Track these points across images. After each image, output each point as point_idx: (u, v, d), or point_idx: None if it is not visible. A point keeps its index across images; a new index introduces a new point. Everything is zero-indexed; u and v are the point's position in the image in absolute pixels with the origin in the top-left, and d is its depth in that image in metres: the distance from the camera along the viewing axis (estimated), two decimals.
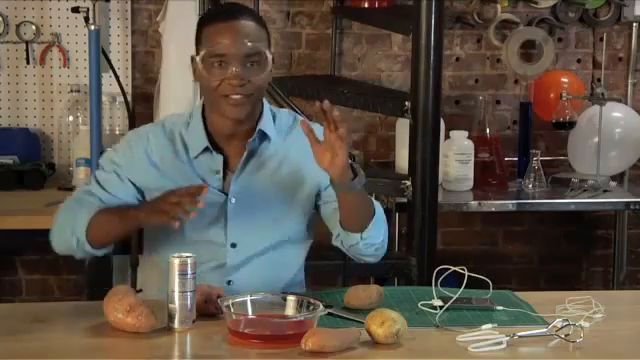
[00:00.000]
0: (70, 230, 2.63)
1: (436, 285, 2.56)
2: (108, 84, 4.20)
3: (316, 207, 2.77)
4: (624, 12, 4.59)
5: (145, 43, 4.43)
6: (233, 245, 2.68)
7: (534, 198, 4.15)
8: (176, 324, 2.36)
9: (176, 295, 2.35)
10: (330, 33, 4.54)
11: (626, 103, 4.57)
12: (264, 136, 2.69)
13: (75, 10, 4.05)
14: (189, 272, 2.35)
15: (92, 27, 4.01)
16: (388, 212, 4.38)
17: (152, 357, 2.25)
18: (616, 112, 4.35)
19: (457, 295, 2.52)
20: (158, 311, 2.36)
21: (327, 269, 3.68)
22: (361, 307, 2.50)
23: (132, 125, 4.21)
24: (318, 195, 2.74)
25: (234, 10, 2.68)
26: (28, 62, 4.32)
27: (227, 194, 2.67)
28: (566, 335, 2.33)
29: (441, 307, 2.49)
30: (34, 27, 4.32)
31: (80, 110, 4.28)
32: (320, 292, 2.67)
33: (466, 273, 2.46)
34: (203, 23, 2.67)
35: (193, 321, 2.37)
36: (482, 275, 2.52)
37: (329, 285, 3.59)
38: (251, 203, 2.67)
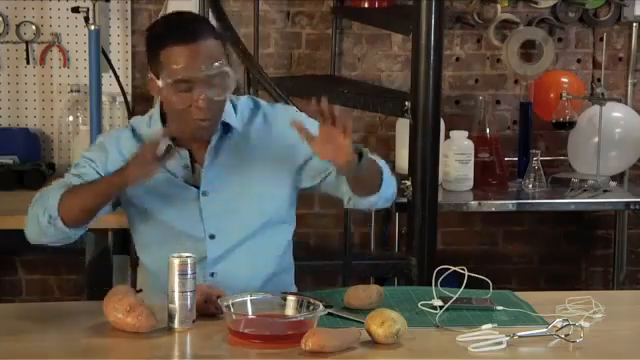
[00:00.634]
0: (42, 209, 2.60)
1: (436, 285, 2.56)
2: (108, 84, 4.21)
3: (312, 185, 2.75)
4: (624, 12, 4.59)
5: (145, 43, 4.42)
6: (212, 237, 2.69)
7: (534, 198, 4.15)
8: (176, 324, 2.36)
9: (176, 295, 2.35)
10: (330, 33, 4.54)
11: (626, 103, 4.57)
12: (227, 127, 2.70)
13: (75, 10, 4.05)
14: (189, 272, 2.35)
15: (92, 27, 4.01)
16: (388, 212, 4.41)
17: (152, 357, 2.25)
18: (616, 112, 4.35)
19: (457, 295, 2.52)
20: (158, 311, 2.36)
21: (327, 269, 3.70)
22: (361, 307, 2.50)
23: None
24: (298, 173, 2.73)
25: (194, 28, 2.60)
26: (28, 62, 4.32)
27: (198, 187, 2.68)
28: (566, 335, 2.33)
29: (441, 307, 2.49)
30: (34, 27, 4.32)
31: (80, 110, 4.28)
32: (320, 292, 2.67)
33: (466, 273, 2.46)
34: (159, 43, 2.60)
35: (193, 321, 2.37)
36: (482, 275, 2.52)
37: (329, 285, 3.60)
38: (224, 193, 2.68)
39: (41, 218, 2.59)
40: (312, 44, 4.55)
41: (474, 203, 4.07)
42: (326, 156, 2.48)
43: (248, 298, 2.41)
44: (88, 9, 4.01)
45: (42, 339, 2.33)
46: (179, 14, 2.77)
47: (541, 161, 4.23)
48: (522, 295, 2.68)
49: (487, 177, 4.27)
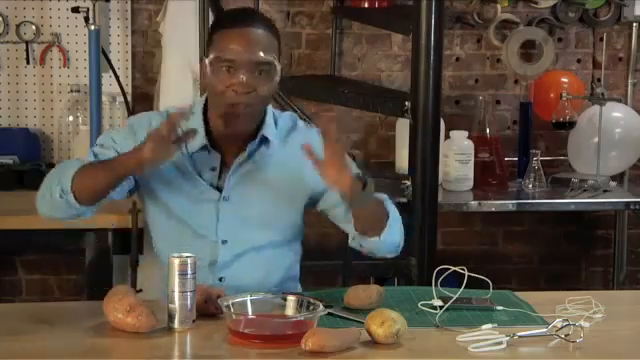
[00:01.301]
0: (57, 180, 2.58)
1: (436, 285, 2.56)
2: (108, 84, 4.21)
3: (322, 211, 2.76)
4: (624, 12, 4.59)
5: (145, 43, 4.43)
6: (224, 242, 2.69)
7: (534, 198, 4.15)
8: (176, 324, 2.36)
9: (176, 295, 2.35)
10: (330, 33, 4.54)
11: (626, 103, 4.57)
12: (265, 140, 2.69)
13: (75, 10, 4.05)
14: (189, 272, 2.35)
15: (92, 27, 4.02)
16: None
17: (152, 357, 2.25)
18: (616, 112, 4.36)
19: (457, 295, 2.52)
20: (158, 311, 2.36)
21: (327, 269, 3.69)
22: (361, 307, 2.50)
23: None
24: (315, 199, 2.74)
25: (248, 17, 2.65)
26: (28, 62, 4.32)
27: (221, 191, 2.68)
28: (566, 335, 2.33)
29: (441, 307, 2.49)
30: (34, 27, 4.32)
31: (80, 110, 4.28)
32: (320, 292, 2.67)
33: (466, 273, 2.46)
34: (216, 27, 2.65)
35: (193, 321, 2.37)
36: (482, 275, 2.52)
37: (329, 285, 3.59)
38: (243, 202, 2.68)
39: (54, 191, 2.56)
40: (312, 44, 4.55)
41: (474, 203, 4.07)
42: (328, 179, 2.47)
43: (248, 298, 2.41)
44: (88, 9, 4.02)
45: (42, 339, 2.33)
46: (243, 8, 2.81)
47: (541, 161, 4.23)
48: (522, 295, 2.68)
49: (487, 177, 4.27)
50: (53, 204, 2.59)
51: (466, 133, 4.22)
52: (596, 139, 4.24)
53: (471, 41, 4.62)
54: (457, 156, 4.15)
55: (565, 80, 4.46)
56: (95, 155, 2.67)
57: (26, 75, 4.35)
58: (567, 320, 2.37)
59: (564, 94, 4.30)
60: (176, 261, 2.36)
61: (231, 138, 2.67)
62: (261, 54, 2.57)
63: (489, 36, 4.57)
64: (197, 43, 3.90)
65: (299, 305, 2.40)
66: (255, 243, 2.70)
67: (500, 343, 2.30)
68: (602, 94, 4.27)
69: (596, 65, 4.65)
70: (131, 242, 3.64)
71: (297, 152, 2.67)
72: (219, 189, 2.68)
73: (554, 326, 2.36)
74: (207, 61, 2.60)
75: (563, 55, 4.65)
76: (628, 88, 4.66)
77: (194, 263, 2.37)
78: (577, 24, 4.64)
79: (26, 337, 2.33)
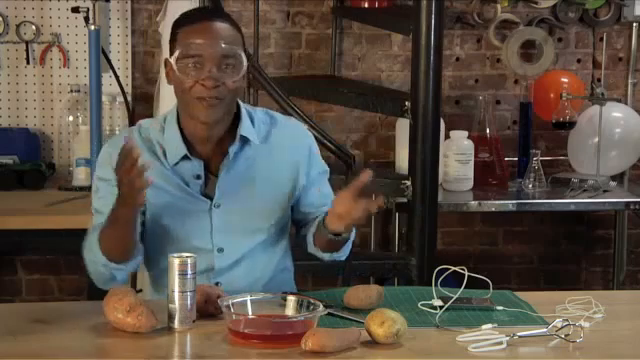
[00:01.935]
0: (94, 264, 2.59)
1: (436, 285, 2.56)
2: (108, 84, 4.21)
3: (294, 204, 2.78)
4: (624, 12, 4.59)
5: (145, 43, 4.43)
6: (220, 250, 2.68)
7: (534, 198, 4.16)
8: (176, 324, 2.36)
9: (176, 295, 2.35)
10: (330, 33, 4.54)
11: (626, 103, 4.57)
12: (245, 140, 2.68)
13: (75, 10, 4.05)
14: (189, 272, 2.35)
15: (92, 27, 4.01)
16: (388, 212, 4.41)
17: (152, 357, 2.25)
18: (616, 112, 4.36)
19: (457, 295, 2.52)
20: (158, 311, 2.36)
21: (327, 269, 3.68)
22: (361, 307, 2.50)
23: (132, 125, 4.21)
24: (300, 191, 2.75)
25: (209, 12, 2.70)
26: (28, 62, 4.32)
27: (211, 199, 2.66)
28: (566, 335, 2.33)
29: (441, 307, 2.49)
30: (34, 27, 4.32)
31: (80, 110, 4.28)
32: (320, 292, 2.67)
33: (466, 273, 2.46)
34: (178, 25, 2.64)
35: (193, 321, 2.37)
36: (482, 275, 2.52)
37: (329, 285, 3.60)
38: (236, 208, 2.66)
39: (101, 272, 2.58)
40: (312, 44, 4.55)
41: (474, 203, 4.08)
42: (337, 210, 2.53)
43: (248, 298, 2.41)
44: (88, 9, 4.01)
45: (42, 339, 2.33)
46: (203, 6, 2.79)
47: (541, 161, 4.23)
48: (522, 295, 2.68)
49: (487, 177, 4.27)
50: (109, 278, 2.60)
51: (466, 133, 4.22)
52: (596, 139, 4.24)
53: (471, 41, 4.62)
54: (457, 156, 4.15)
55: (565, 80, 4.46)
56: (99, 213, 2.65)
57: (26, 75, 4.35)
58: (567, 320, 2.37)
59: (564, 94, 4.30)
60: (176, 261, 2.35)
61: (209, 140, 2.65)
62: (226, 46, 2.57)
63: (489, 36, 4.57)
64: None
65: (299, 305, 2.40)
66: (250, 247, 2.69)
67: (500, 343, 2.30)
68: (602, 94, 4.28)
69: (596, 65, 4.65)
70: None
71: (281, 149, 2.69)
72: (208, 197, 2.66)
73: (554, 326, 2.36)
74: (172, 60, 2.58)
75: (563, 55, 4.65)
76: (628, 88, 4.66)
77: (194, 263, 2.37)
78: (577, 24, 4.64)
79: (26, 337, 2.33)
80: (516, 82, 4.63)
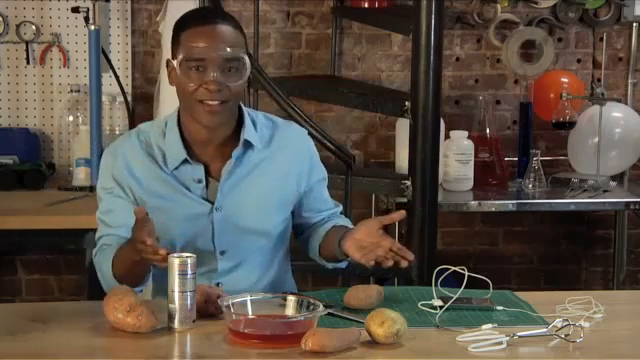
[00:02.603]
0: (107, 285, 2.58)
1: (436, 285, 2.56)
2: (108, 84, 4.21)
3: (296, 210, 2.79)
4: (624, 12, 4.59)
5: (145, 43, 4.43)
6: (222, 252, 2.67)
7: (534, 198, 4.16)
8: (176, 324, 2.36)
9: (176, 295, 2.35)
10: (330, 33, 4.54)
11: (626, 103, 4.57)
12: (248, 144, 2.67)
13: (75, 10, 4.05)
14: (189, 272, 2.35)
15: (92, 27, 4.02)
16: (388, 212, 4.41)
17: (152, 357, 2.24)
18: (616, 112, 4.36)
19: (457, 295, 2.52)
20: (158, 311, 2.36)
21: (327, 269, 3.68)
22: (361, 307, 2.50)
23: (132, 125, 4.22)
24: (294, 200, 2.75)
25: (213, 14, 2.65)
26: (28, 62, 4.32)
27: (212, 203, 2.66)
28: (566, 335, 2.33)
29: (441, 307, 2.49)
30: (34, 27, 4.32)
31: (80, 110, 4.28)
32: (320, 292, 2.67)
33: (466, 273, 2.46)
34: (181, 27, 2.61)
35: (193, 321, 2.37)
36: (482, 275, 2.52)
37: (329, 285, 3.60)
38: (237, 211, 2.66)
39: (110, 285, 2.56)
40: (312, 44, 4.55)
41: (474, 203, 4.08)
42: (360, 241, 2.53)
43: (248, 298, 2.41)
44: (88, 9, 4.02)
45: (42, 339, 2.33)
46: (205, 7, 2.76)
47: (541, 161, 4.23)
48: (522, 295, 2.68)
49: (487, 177, 4.27)
50: None
51: (466, 133, 4.22)
52: (596, 139, 4.24)
53: (471, 41, 4.62)
54: (457, 156, 4.15)
55: (565, 80, 4.46)
56: (105, 224, 2.66)
57: (26, 75, 4.35)
58: (567, 320, 2.37)
59: (564, 94, 4.30)
60: (176, 261, 2.35)
61: (210, 143, 2.65)
62: (230, 50, 2.55)
63: (489, 36, 4.57)
64: None
65: (299, 305, 2.40)
66: (252, 249, 2.69)
67: (500, 343, 2.30)
68: (602, 94, 4.28)
69: (596, 65, 4.65)
70: None
71: (283, 154, 2.68)
72: (208, 201, 2.66)
73: (554, 326, 2.36)
74: (175, 63, 2.57)
75: (563, 55, 4.65)
76: (628, 88, 4.66)
77: (194, 263, 2.37)
78: (577, 24, 4.64)
79: (26, 337, 2.33)
80: (516, 82, 4.63)
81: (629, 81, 4.66)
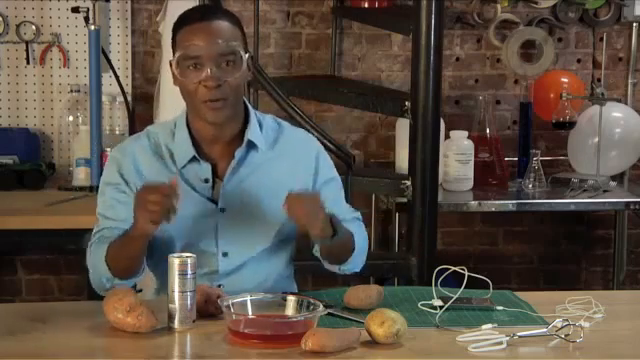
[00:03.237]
0: (98, 275, 2.58)
1: (436, 285, 2.56)
2: (108, 84, 4.21)
3: None
4: (624, 12, 4.59)
5: (145, 43, 4.43)
6: (225, 254, 2.67)
7: (534, 198, 4.16)
8: (176, 324, 2.36)
9: (176, 295, 2.35)
10: (330, 33, 4.54)
11: (626, 103, 4.57)
12: (252, 145, 2.68)
13: (75, 10, 4.05)
14: (189, 272, 2.35)
15: (92, 27, 4.01)
16: (388, 212, 4.41)
17: (152, 357, 2.25)
18: (616, 112, 4.36)
19: (457, 295, 2.52)
20: (158, 311, 2.36)
21: (327, 269, 3.67)
22: (361, 307, 2.50)
23: (132, 125, 4.22)
24: None
25: (207, 11, 2.65)
26: (28, 62, 4.32)
27: (217, 203, 2.66)
28: (566, 335, 2.33)
29: (441, 307, 2.49)
30: (34, 27, 4.32)
31: (80, 110, 4.28)
32: (320, 292, 2.67)
33: (466, 273, 2.46)
34: (176, 27, 2.63)
35: (193, 321, 2.37)
36: (482, 275, 2.52)
37: (329, 285, 3.60)
38: (241, 211, 2.66)
39: (102, 282, 2.57)
40: (312, 44, 4.55)
41: (474, 203, 4.08)
42: (298, 221, 2.49)
43: (248, 298, 2.41)
44: (88, 9, 4.01)
45: (42, 339, 2.33)
46: (202, 5, 2.75)
47: (541, 161, 4.23)
48: (522, 295, 2.68)
49: (487, 177, 4.27)
50: (107, 290, 2.57)
51: (466, 133, 4.22)
52: (596, 139, 4.24)
53: (471, 41, 4.62)
54: (457, 156, 4.15)
55: (565, 80, 4.46)
56: (104, 216, 2.65)
57: (26, 75, 4.35)
58: (567, 320, 2.37)
59: (564, 94, 4.30)
60: (176, 261, 2.35)
61: (218, 141, 2.65)
62: (223, 43, 2.55)
63: (489, 36, 4.57)
64: None
65: (299, 305, 2.40)
66: (255, 252, 2.69)
67: (500, 343, 2.30)
68: (602, 94, 4.28)
69: (596, 65, 4.65)
70: None
71: (288, 157, 2.68)
72: (214, 201, 2.66)
73: (554, 326, 2.36)
74: (174, 63, 2.58)
75: (563, 55, 4.65)
76: (628, 88, 4.66)
77: (194, 263, 2.37)
78: (577, 24, 4.64)
79: (26, 337, 2.33)
80: (516, 82, 4.63)
81: (629, 81, 4.66)
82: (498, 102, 4.65)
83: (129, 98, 4.27)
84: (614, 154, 4.32)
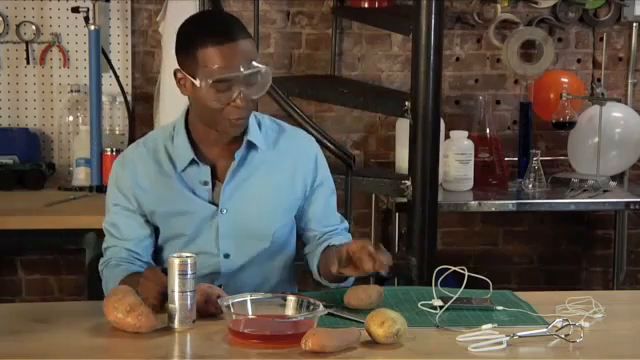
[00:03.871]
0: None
1: (436, 285, 2.56)
2: (108, 84, 4.21)
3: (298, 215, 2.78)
4: (624, 12, 4.59)
5: (145, 43, 4.43)
6: (226, 256, 2.68)
7: (534, 198, 4.15)
8: (176, 324, 2.36)
9: (176, 295, 2.35)
10: (330, 33, 4.54)
11: (626, 103, 4.57)
12: (252, 145, 2.68)
13: (75, 10, 4.06)
14: (189, 272, 2.35)
15: (92, 27, 4.02)
16: (388, 212, 4.41)
17: (152, 357, 2.25)
18: (616, 112, 4.36)
19: (457, 295, 2.52)
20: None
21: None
22: (361, 307, 2.50)
23: (132, 125, 4.23)
24: (297, 204, 2.75)
25: (231, 30, 2.55)
26: (28, 62, 4.32)
27: (217, 205, 2.66)
28: (566, 335, 2.33)
29: (441, 307, 2.49)
30: (34, 27, 4.32)
31: (80, 110, 4.28)
32: (320, 292, 2.67)
33: (466, 273, 2.46)
34: (195, 42, 2.53)
35: (193, 321, 2.37)
36: (482, 275, 2.52)
37: None
38: (241, 213, 2.66)
39: None
40: (312, 44, 4.55)
41: (474, 203, 4.08)
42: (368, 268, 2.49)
43: (248, 298, 2.41)
44: (88, 9, 4.02)
45: (42, 339, 2.33)
46: (211, 13, 2.79)
47: (541, 161, 4.23)
48: (522, 295, 2.68)
49: (487, 177, 4.27)
50: None
51: (466, 133, 4.22)
52: (596, 139, 4.24)
53: (471, 41, 4.62)
54: (457, 156, 4.15)
55: (565, 80, 4.46)
56: (112, 235, 2.68)
57: (26, 75, 4.35)
58: (567, 320, 2.37)
59: (564, 94, 4.30)
60: (176, 261, 2.35)
61: (218, 144, 2.65)
62: (254, 64, 2.55)
63: (489, 36, 4.57)
64: None
65: (299, 305, 2.40)
66: (256, 253, 2.69)
67: (500, 343, 2.30)
68: (602, 94, 4.28)
69: (596, 65, 4.65)
70: None
71: (287, 157, 2.68)
72: (214, 203, 2.66)
73: (554, 326, 2.36)
74: (198, 83, 2.53)
75: (563, 55, 4.65)
76: (628, 88, 4.66)
77: (194, 263, 2.37)
78: (577, 24, 4.64)
79: (26, 337, 2.33)
80: (516, 82, 4.63)
81: (629, 81, 4.66)
82: (498, 102, 4.65)
83: (129, 98, 4.27)
84: (614, 154, 4.32)
